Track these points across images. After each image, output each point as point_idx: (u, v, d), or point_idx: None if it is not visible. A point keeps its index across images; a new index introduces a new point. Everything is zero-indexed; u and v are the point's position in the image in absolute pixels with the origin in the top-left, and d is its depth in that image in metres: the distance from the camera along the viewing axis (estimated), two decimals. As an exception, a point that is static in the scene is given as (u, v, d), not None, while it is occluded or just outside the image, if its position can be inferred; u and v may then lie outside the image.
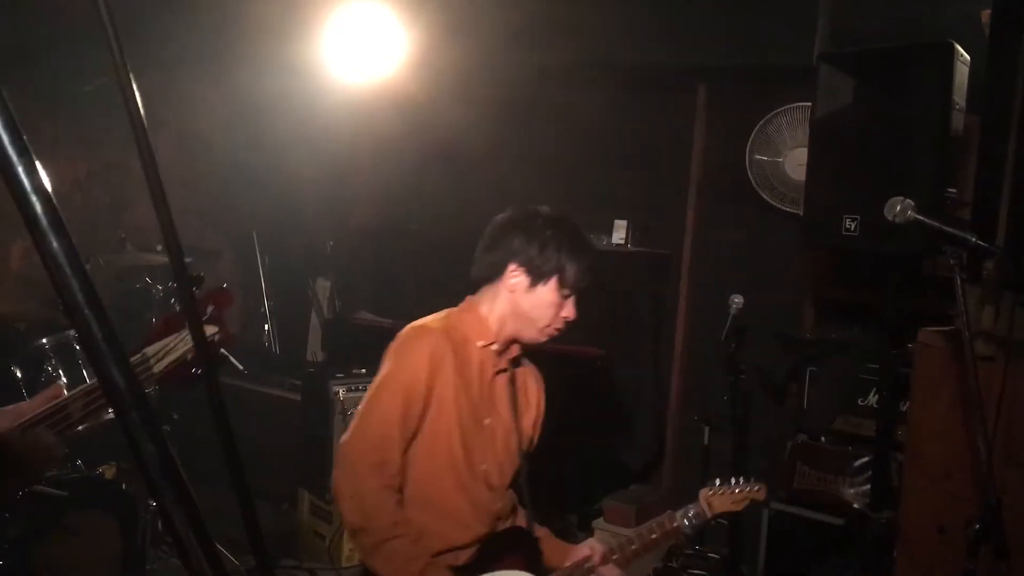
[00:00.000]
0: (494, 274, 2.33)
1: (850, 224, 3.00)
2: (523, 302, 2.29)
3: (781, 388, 4.41)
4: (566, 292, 2.29)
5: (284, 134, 5.46)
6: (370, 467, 2.15)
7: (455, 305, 2.43)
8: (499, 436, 2.35)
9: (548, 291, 2.28)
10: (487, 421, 2.33)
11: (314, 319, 5.89)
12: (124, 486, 3.29)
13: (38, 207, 0.53)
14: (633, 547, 2.38)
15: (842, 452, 3.80)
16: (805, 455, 3.92)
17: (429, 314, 2.41)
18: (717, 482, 2.50)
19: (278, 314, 5.75)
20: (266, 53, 4.84)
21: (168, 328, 1.54)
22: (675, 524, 2.43)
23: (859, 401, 3.90)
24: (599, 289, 4.84)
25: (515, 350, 2.40)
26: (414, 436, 2.23)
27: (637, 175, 5.02)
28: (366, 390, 4.20)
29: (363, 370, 4.27)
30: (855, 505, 3.65)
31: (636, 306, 5.10)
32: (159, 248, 3.98)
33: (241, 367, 3.55)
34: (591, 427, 4.85)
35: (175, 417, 3.89)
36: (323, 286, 6.01)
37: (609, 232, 4.97)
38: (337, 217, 6.19)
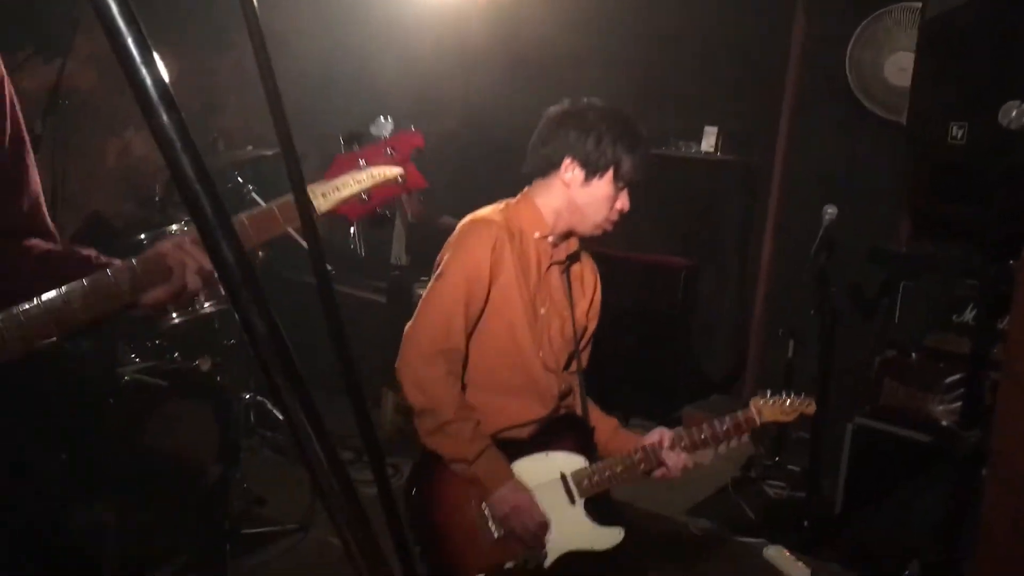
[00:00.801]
0: (548, 168, 2.34)
1: (957, 132, 2.87)
2: (578, 196, 2.30)
3: (872, 303, 4.30)
4: (621, 185, 2.31)
5: (369, 38, 5.41)
6: (435, 353, 2.20)
7: None
8: (554, 324, 2.39)
9: (603, 185, 2.29)
10: (543, 310, 2.36)
11: (398, 223, 5.93)
12: (219, 378, 3.42)
13: (148, 80, 0.52)
14: (702, 436, 2.41)
15: (933, 368, 3.70)
16: (894, 371, 3.84)
17: None
18: (769, 392, 2.52)
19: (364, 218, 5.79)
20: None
21: (340, 168, 1.61)
22: (747, 416, 2.45)
23: (953, 318, 3.79)
24: (687, 199, 4.79)
25: (572, 244, 2.42)
26: (477, 322, 2.28)
27: (729, 80, 4.85)
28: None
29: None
30: (944, 423, 3.58)
31: (723, 215, 5.00)
32: (249, 148, 4.03)
33: (329, 268, 3.60)
34: (674, 336, 4.83)
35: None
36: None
37: (698, 139, 4.84)
38: (421, 122, 6.14)
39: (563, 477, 2.31)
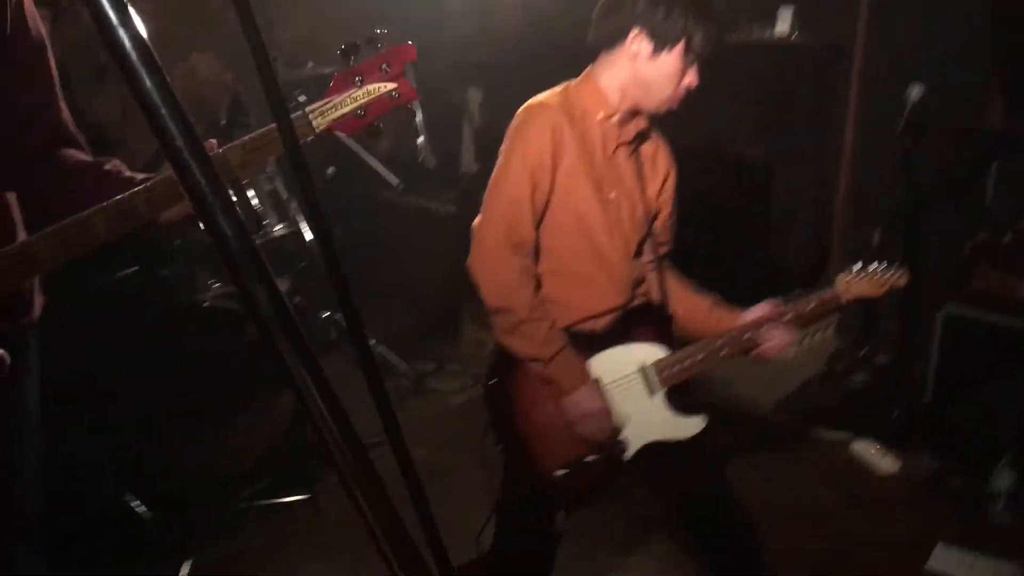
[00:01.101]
0: (614, 40, 2.19)
1: (1053, -2, 2.64)
2: (645, 70, 2.16)
3: (962, 185, 4.09)
4: (691, 59, 2.15)
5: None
6: (506, 248, 2.13)
7: None
8: (624, 208, 2.27)
9: (672, 59, 2.14)
10: (612, 195, 2.24)
11: (466, 130, 5.86)
12: (297, 299, 3.47)
13: (126, 41, 0.48)
14: (787, 316, 2.33)
15: (1028, 252, 3.53)
16: (986, 254, 3.67)
17: None
18: (857, 265, 2.39)
19: (431, 127, 5.74)
20: None
21: (339, 86, 1.68)
22: (833, 294, 2.36)
23: (1050, 197, 3.60)
24: (761, 86, 4.59)
25: (640, 123, 2.28)
26: (544, 211, 2.19)
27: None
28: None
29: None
30: (1040, 307, 3.42)
31: (802, 100, 4.77)
32: (310, 65, 3.98)
33: (396, 181, 3.57)
34: (752, 229, 4.71)
35: (338, 233, 4.03)
36: (474, 96, 5.93)
37: (772, 22, 4.60)
38: (486, 25, 6.00)
39: (642, 369, 2.26)
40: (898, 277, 2.40)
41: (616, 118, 2.23)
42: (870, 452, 3.58)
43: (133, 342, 2.84)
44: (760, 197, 4.68)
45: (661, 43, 2.13)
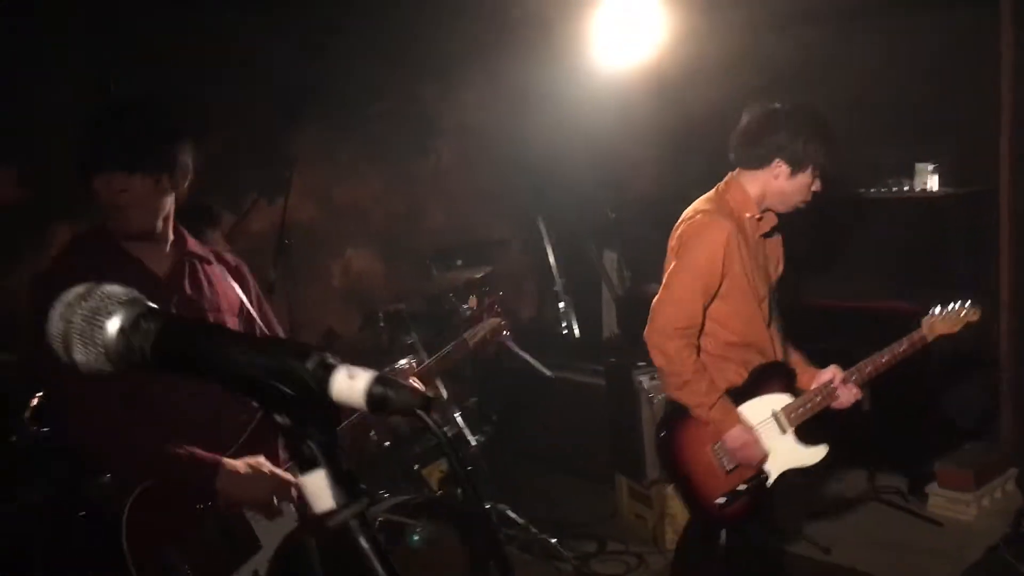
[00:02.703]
0: (758, 164, 2.77)
1: None
2: (785, 186, 2.77)
3: None
4: (819, 173, 2.76)
5: (555, 118, 5.54)
6: (675, 330, 2.72)
7: None
8: (761, 283, 2.86)
9: (806, 176, 2.76)
10: (758, 277, 2.83)
11: (606, 294, 5.96)
12: (458, 492, 3.55)
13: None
14: (868, 369, 2.92)
15: None
16: None
17: None
18: (937, 309, 3.00)
19: (571, 293, 5.89)
20: (531, 46, 4.98)
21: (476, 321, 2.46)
22: (920, 334, 2.98)
23: None
24: (905, 239, 4.52)
25: (771, 218, 2.86)
26: (714, 298, 2.77)
27: (936, 110, 4.56)
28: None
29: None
30: None
31: (951, 250, 4.67)
32: (459, 263, 4.20)
33: (548, 373, 3.70)
34: (913, 385, 4.54)
35: (494, 419, 4.13)
36: (610, 259, 6.05)
37: (910, 176, 4.58)
38: (616, 188, 6.20)
39: (774, 414, 2.86)
40: (972, 313, 3.00)
41: (758, 217, 2.83)
42: (1077, 632, 3.30)
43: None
44: (921, 351, 4.54)
45: (799, 168, 2.74)
